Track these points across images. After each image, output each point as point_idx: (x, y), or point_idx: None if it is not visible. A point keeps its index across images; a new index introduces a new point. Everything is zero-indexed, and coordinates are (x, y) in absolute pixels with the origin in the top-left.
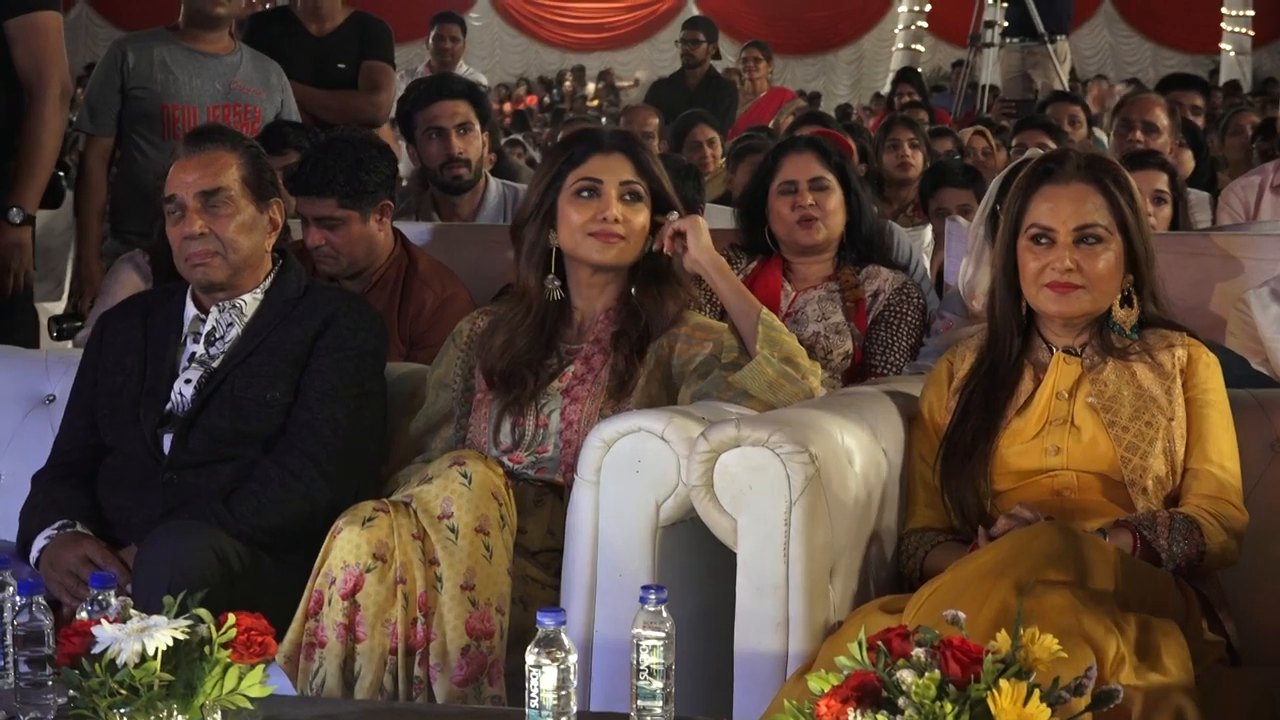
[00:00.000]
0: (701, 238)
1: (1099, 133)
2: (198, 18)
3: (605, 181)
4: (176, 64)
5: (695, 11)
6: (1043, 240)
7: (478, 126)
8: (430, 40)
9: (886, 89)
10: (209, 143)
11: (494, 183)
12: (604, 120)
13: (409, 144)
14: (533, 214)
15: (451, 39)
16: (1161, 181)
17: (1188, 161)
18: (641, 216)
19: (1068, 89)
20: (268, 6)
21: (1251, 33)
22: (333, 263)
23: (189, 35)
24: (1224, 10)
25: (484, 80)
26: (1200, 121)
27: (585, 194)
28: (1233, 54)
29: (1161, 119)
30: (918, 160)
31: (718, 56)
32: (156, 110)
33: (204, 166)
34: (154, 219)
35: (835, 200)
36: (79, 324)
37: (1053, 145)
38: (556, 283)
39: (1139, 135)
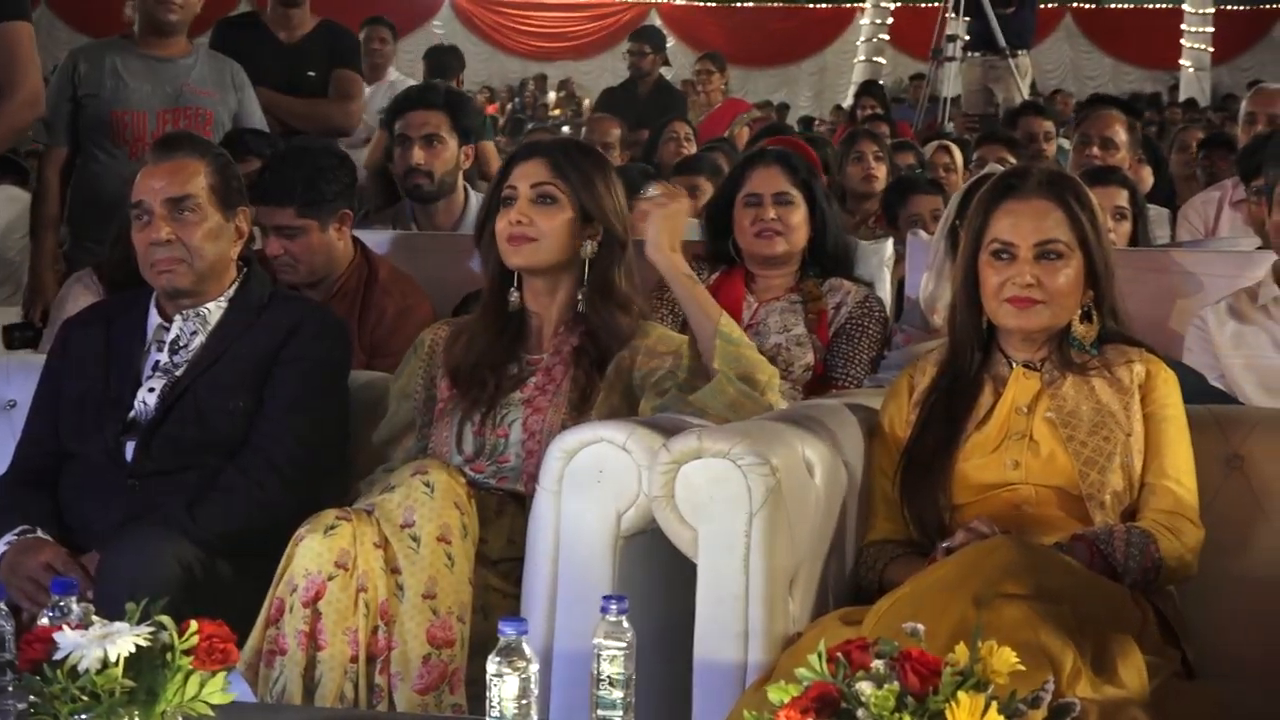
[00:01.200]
0: (652, 231)
1: (1064, 142)
2: (151, 24)
3: (519, 187)
4: (128, 70)
5: (658, 22)
6: (1004, 255)
7: (451, 139)
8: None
9: (849, 101)
10: (178, 150)
11: (474, 194)
12: (566, 129)
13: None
14: (481, 228)
15: (379, 40)
16: (1122, 198)
17: (1147, 177)
18: (557, 218)
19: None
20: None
21: (1211, 49)
22: (291, 272)
23: (143, 41)
24: (1184, 27)
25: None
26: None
27: (505, 202)
28: (1192, 70)
29: (1120, 134)
30: (881, 173)
31: (666, 64)
32: (107, 117)
33: (172, 174)
34: (110, 230)
35: (799, 215)
36: (30, 333)
37: (1013, 160)
38: (515, 294)
39: (1096, 150)
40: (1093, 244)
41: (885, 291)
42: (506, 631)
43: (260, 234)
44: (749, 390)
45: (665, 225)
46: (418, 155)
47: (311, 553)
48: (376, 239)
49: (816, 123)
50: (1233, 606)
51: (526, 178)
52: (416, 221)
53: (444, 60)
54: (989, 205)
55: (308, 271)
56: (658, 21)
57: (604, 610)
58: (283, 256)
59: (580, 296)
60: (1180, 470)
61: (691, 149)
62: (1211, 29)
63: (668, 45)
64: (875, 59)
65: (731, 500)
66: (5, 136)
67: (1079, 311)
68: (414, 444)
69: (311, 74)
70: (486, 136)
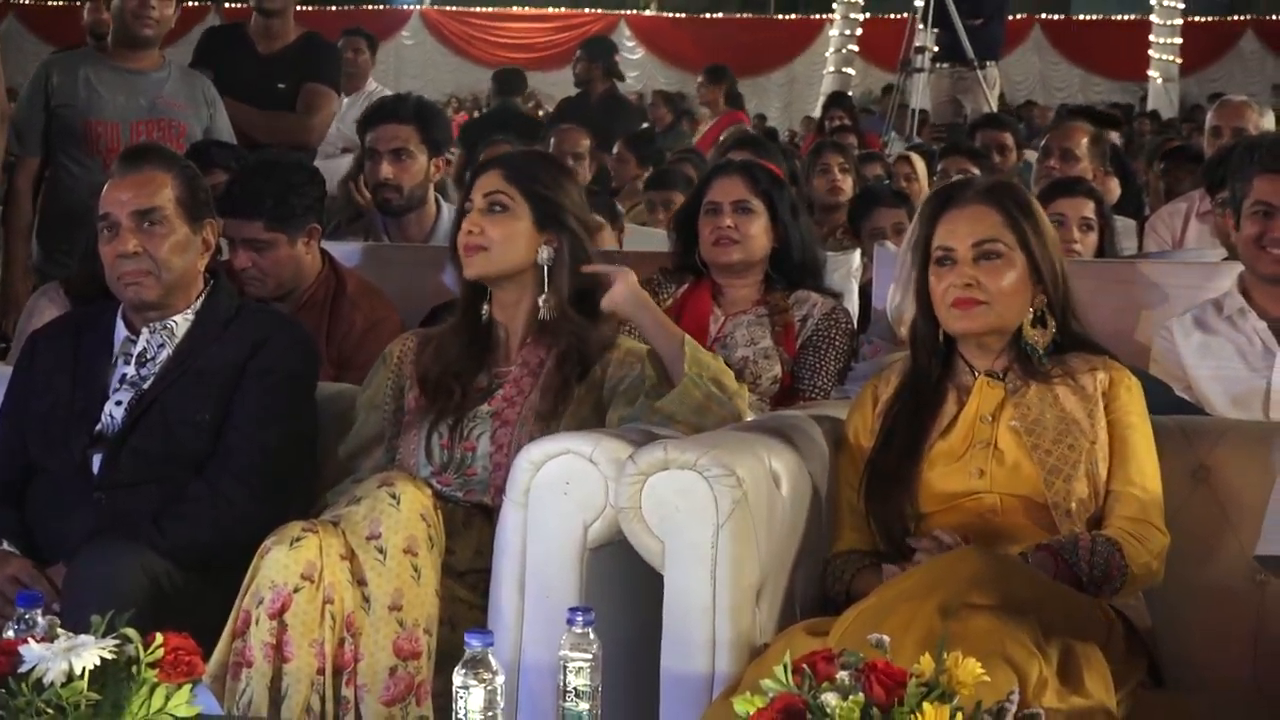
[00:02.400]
0: (620, 290)
1: (1029, 155)
2: (125, 37)
3: (474, 198)
4: (101, 81)
5: (627, 33)
6: (945, 261)
7: (421, 152)
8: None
9: (817, 112)
10: (144, 162)
11: (446, 206)
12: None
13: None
14: (453, 239)
15: (354, 50)
16: (1088, 209)
17: (1114, 189)
18: (507, 226)
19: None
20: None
21: (1179, 60)
22: (259, 285)
23: (116, 54)
24: (1152, 39)
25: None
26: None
27: (464, 214)
28: (1160, 82)
29: (1081, 146)
30: (847, 185)
31: (616, 76)
32: (80, 127)
33: (139, 186)
34: (78, 242)
35: (758, 225)
36: (2, 344)
37: (977, 172)
38: (486, 308)
39: (1055, 162)
40: (1034, 246)
41: (852, 303)
42: (473, 643)
43: (228, 246)
44: (716, 393)
45: (635, 294)
46: (386, 169)
47: (278, 565)
48: (345, 250)
49: (788, 133)
50: (1200, 616)
51: (480, 189)
52: (388, 233)
53: (511, 80)
54: (931, 217)
55: (275, 285)
56: (626, 33)
57: (570, 622)
58: (250, 270)
59: (541, 303)
60: (1145, 476)
61: (630, 165)
62: (1179, 40)
63: (636, 57)
64: (844, 70)
65: (698, 512)
66: None
67: (1029, 315)
68: (382, 455)
69: (281, 86)
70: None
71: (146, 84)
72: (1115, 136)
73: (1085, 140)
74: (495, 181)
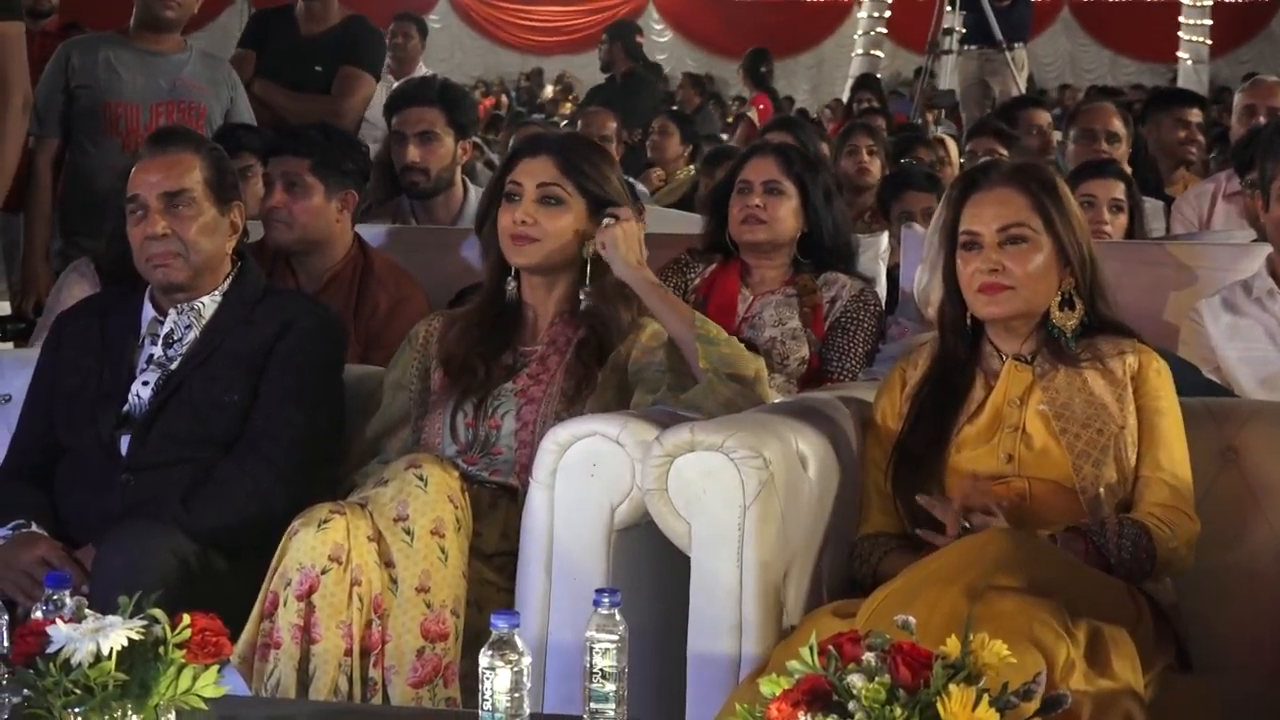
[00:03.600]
0: (621, 250)
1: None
2: (147, 19)
3: (524, 185)
4: (121, 63)
5: (655, 16)
6: (972, 246)
7: (448, 135)
8: (387, 40)
9: (846, 95)
10: (172, 144)
11: (473, 189)
12: (564, 123)
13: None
14: (482, 219)
15: (404, 35)
16: (1119, 190)
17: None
18: (561, 220)
19: (1025, 94)
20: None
21: (1209, 42)
22: (285, 230)
23: (137, 35)
24: (1182, 20)
25: None
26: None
27: (509, 198)
28: (1190, 63)
29: (1120, 127)
30: (875, 167)
31: (635, 58)
32: (99, 108)
33: (167, 168)
34: (103, 223)
35: (787, 206)
36: (22, 325)
37: (1005, 152)
38: (513, 284)
39: (1104, 145)
40: (1061, 229)
41: (880, 285)
42: (499, 625)
43: (267, 185)
44: (739, 388)
45: (629, 244)
46: (413, 153)
47: (305, 546)
48: (373, 232)
49: (816, 115)
50: (1228, 599)
51: (532, 176)
52: (415, 216)
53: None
54: (957, 201)
55: (300, 235)
56: (654, 15)
57: (597, 604)
58: (281, 210)
59: (583, 295)
60: (1175, 463)
61: (672, 143)
62: (1209, 21)
63: (664, 39)
64: (873, 52)
65: (724, 493)
66: (18, 138)
67: (1057, 298)
68: (409, 436)
69: (319, 68)
70: None
71: (167, 66)
72: (1197, 114)
73: (1119, 121)
74: (549, 171)
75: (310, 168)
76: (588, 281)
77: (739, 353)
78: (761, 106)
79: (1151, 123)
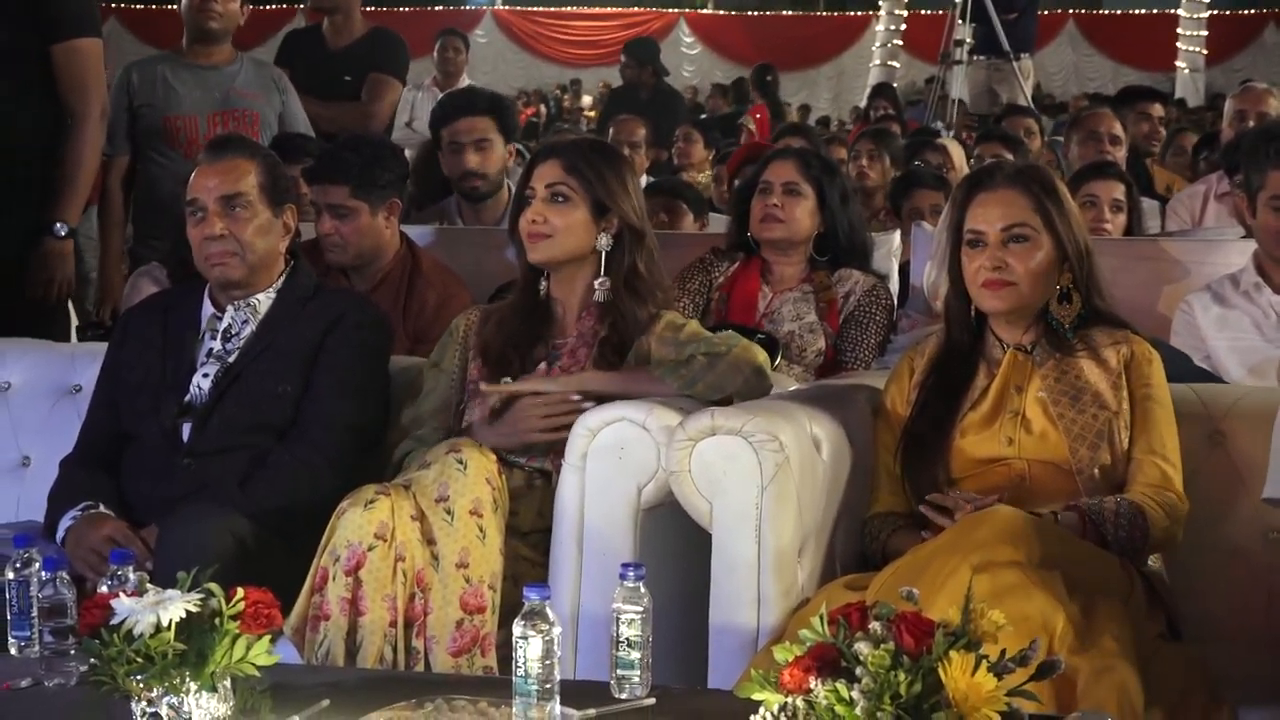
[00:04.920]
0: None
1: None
2: (195, 33)
3: (536, 187)
4: (178, 79)
5: (685, 29)
6: (976, 244)
7: (499, 140)
8: (435, 54)
9: (864, 103)
10: (230, 151)
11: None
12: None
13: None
14: (513, 222)
15: (454, 50)
16: (1119, 191)
17: None
18: (570, 216)
19: (1030, 103)
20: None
21: (1205, 52)
22: (340, 252)
23: (190, 52)
24: (1179, 31)
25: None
26: (1149, 128)
27: (526, 201)
28: (1187, 72)
29: (1121, 131)
30: (875, 171)
31: (663, 74)
32: (161, 123)
33: (224, 173)
34: (169, 228)
35: (804, 207)
36: (100, 332)
37: (1011, 157)
38: (545, 284)
39: (1107, 147)
40: (1060, 227)
41: (892, 280)
42: (531, 597)
43: (315, 214)
44: (730, 386)
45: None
46: (472, 159)
47: (353, 525)
48: (418, 233)
49: (834, 123)
50: (1214, 573)
51: (542, 178)
52: (462, 217)
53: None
54: (963, 201)
55: (355, 253)
56: (685, 29)
57: (623, 577)
58: (333, 236)
59: (597, 286)
60: (1166, 446)
61: (696, 149)
62: (1205, 33)
63: (694, 52)
64: (889, 63)
65: (744, 475)
66: (96, 149)
67: (1056, 293)
68: (450, 422)
69: (348, 78)
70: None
71: (220, 78)
72: (1159, 109)
73: (1119, 126)
74: (556, 172)
75: (351, 193)
76: (603, 273)
77: (719, 379)
78: (759, 116)
79: (1119, 115)
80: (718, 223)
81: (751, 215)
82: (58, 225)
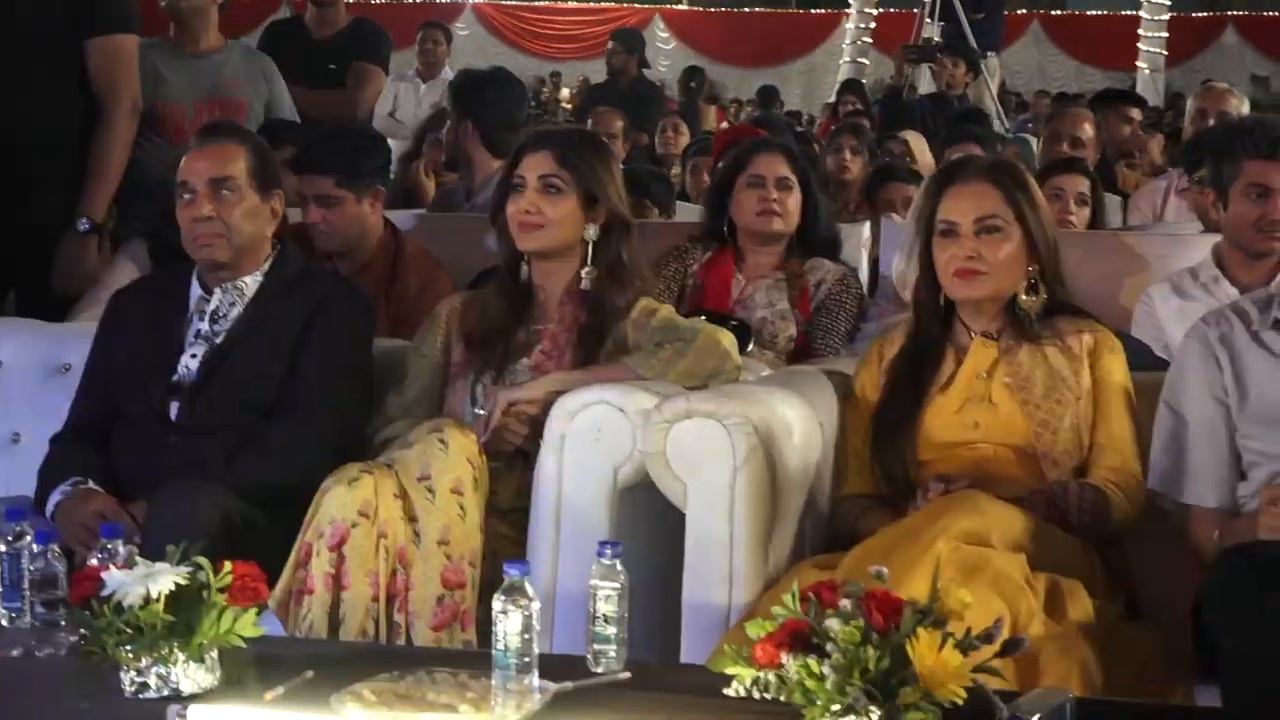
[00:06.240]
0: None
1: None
2: (176, 20)
3: (527, 177)
4: (167, 67)
5: (660, 25)
6: (949, 234)
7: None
8: (416, 45)
9: (832, 99)
10: (221, 136)
11: None
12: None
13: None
14: (496, 209)
15: (433, 41)
16: (1084, 185)
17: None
18: (562, 206)
19: (997, 102)
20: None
21: (1165, 53)
22: (328, 240)
23: (179, 40)
24: (1141, 32)
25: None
26: (1130, 131)
27: (515, 190)
28: (1148, 72)
29: (1088, 132)
30: (855, 165)
31: (645, 65)
32: (150, 110)
33: (215, 156)
34: (152, 210)
35: (795, 200)
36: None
37: (980, 152)
38: (526, 267)
39: (1066, 148)
40: (1031, 220)
41: (862, 270)
42: (511, 573)
43: (300, 204)
44: (706, 372)
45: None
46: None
47: (337, 502)
48: (399, 218)
49: (805, 118)
50: (1172, 555)
51: (534, 168)
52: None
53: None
54: (936, 192)
55: (342, 240)
56: (660, 25)
57: (600, 555)
58: (321, 225)
59: (584, 275)
60: (1126, 431)
61: (681, 140)
62: (1166, 34)
63: (669, 47)
64: (859, 60)
65: (717, 456)
66: (126, 144)
67: (1024, 283)
68: (432, 404)
69: (332, 67)
70: None
71: (208, 66)
72: (1137, 113)
73: (1090, 125)
74: (548, 163)
75: (336, 183)
76: (589, 262)
77: (691, 366)
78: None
79: (1098, 117)
80: (686, 212)
81: (740, 207)
82: (81, 220)
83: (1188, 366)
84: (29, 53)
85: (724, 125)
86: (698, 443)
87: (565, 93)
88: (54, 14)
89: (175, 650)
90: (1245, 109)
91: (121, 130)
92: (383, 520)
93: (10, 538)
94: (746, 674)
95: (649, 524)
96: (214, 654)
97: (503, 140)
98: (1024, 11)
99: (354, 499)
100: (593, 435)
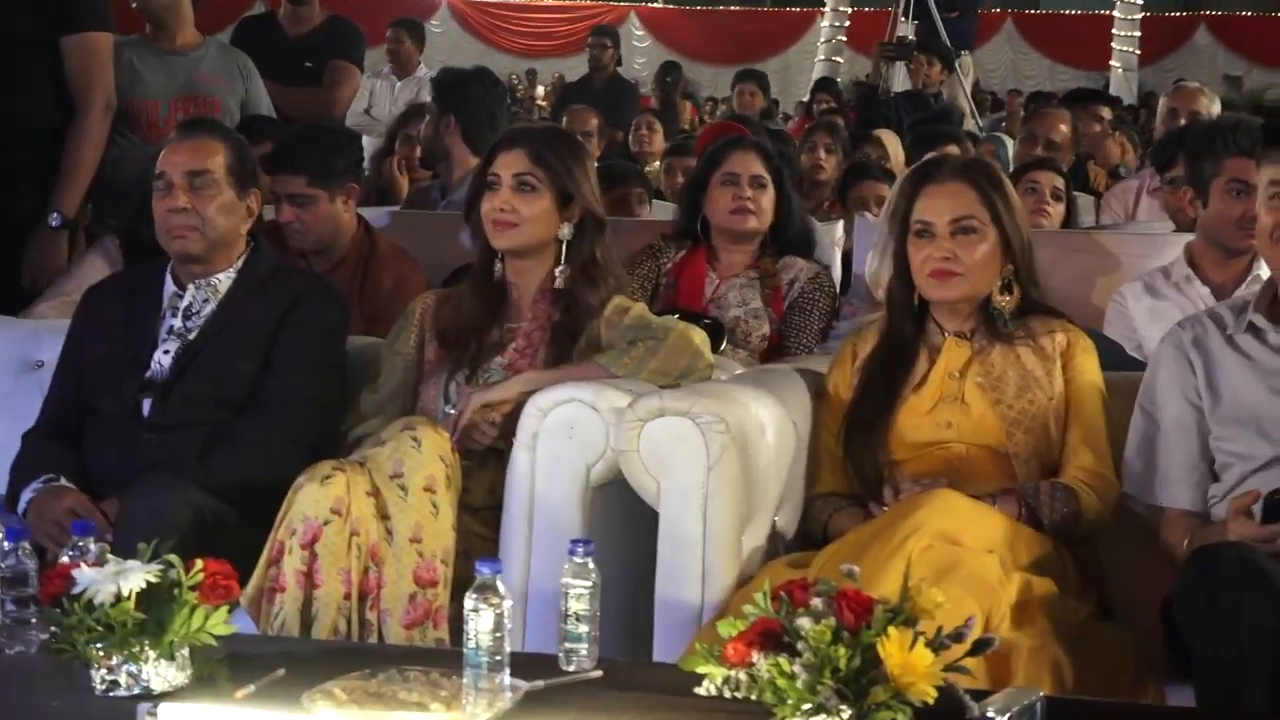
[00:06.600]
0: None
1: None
2: (146, 14)
3: (502, 175)
4: (143, 63)
5: (636, 22)
6: (925, 234)
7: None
8: (386, 46)
9: (806, 97)
10: (201, 131)
11: None
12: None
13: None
14: (470, 207)
15: (396, 41)
16: (1058, 181)
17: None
18: (536, 205)
19: (970, 101)
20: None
21: (1138, 52)
22: (301, 238)
23: (155, 37)
24: (1114, 32)
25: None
26: (1100, 129)
27: (490, 188)
28: (1121, 71)
29: (1063, 133)
30: (830, 164)
31: (619, 64)
32: (125, 106)
33: (194, 150)
34: (126, 207)
35: (768, 198)
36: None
37: (957, 152)
38: (499, 265)
39: (1040, 150)
40: (1006, 220)
41: (835, 268)
42: (483, 571)
43: (274, 203)
44: (681, 371)
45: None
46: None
47: (309, 499)
48: (372, 215)
49: (779, 116)
50: (1144, 555)
51: (508, 166)
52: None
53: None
54: (911, 191)
55: (316, 239)
56: (635, 23)
57: (571, 553)
58: (294, 223)
59: (558, 273)
60: (1099, 431)
61: (656, 138)
62: (1139, 33)
63: (644, 45)
64: (834, 58)
65: (690, 455)
66: (98, 142)
67: (998, 283)
68: (406, 401)
69: (309, 65)
70: None
71: (184, 63)
72: (1108, 112)
73: (1065, 128)
74: (523, 162)
75: (308, 182)
76: (563, 260)
77: (663, 364)
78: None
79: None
80: (663, 210)
81: (715, 205)
82: (53, 216)
83: (1162, 369)
84: (2, 51)
85: (698, 121)
86: (671, 441)
87: (540, 90)
88: (28, 12)
89: (146, 648)
90: (1216, 109)
91: (95, 128)
92: (355, 518)
93: None
94: (718, 673)
95: (621, 522)
96: (185, 652)
97: (484, 138)
98: (998, 10)
99: (326, 496)
100: (566, 433)
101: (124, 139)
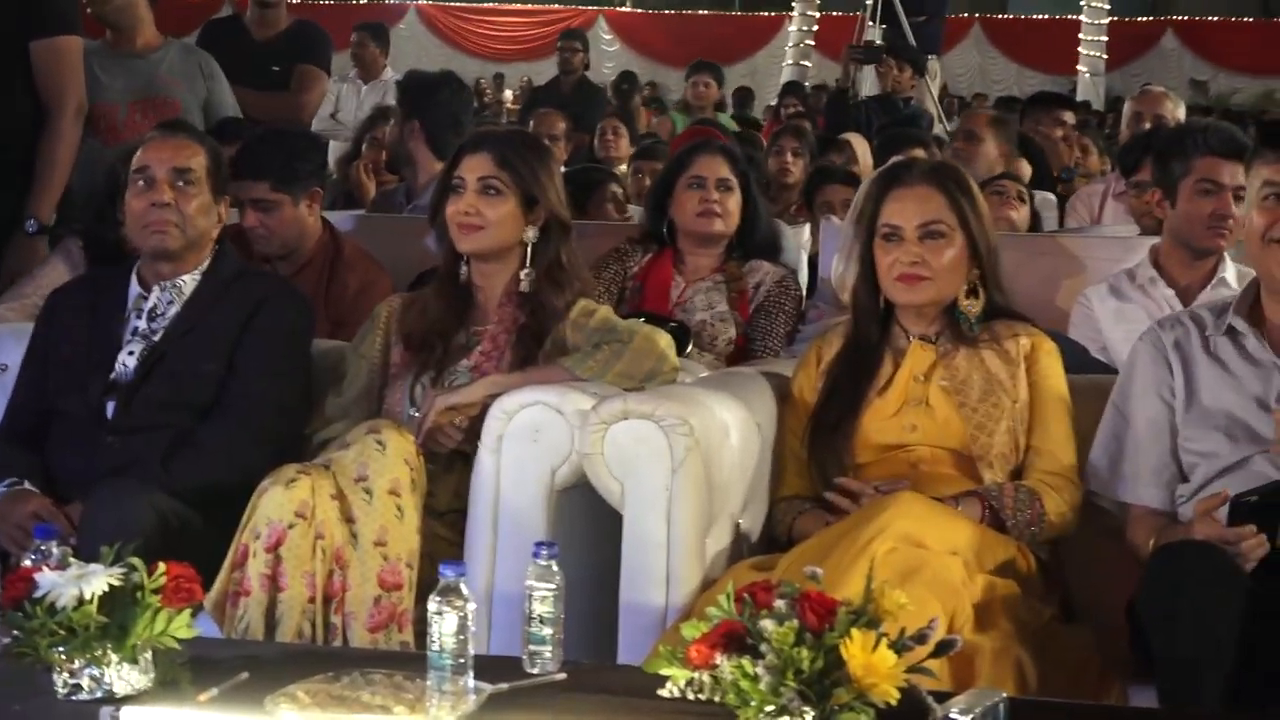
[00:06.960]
0: (445, 406)
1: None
2: (101, 20)
3: (466, 179)
4: (104, 68)
5: (604, 26)
6: (892, 238)
7: None
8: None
9: (774, 101)
10: (182, 132)
11: None
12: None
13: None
14: (435, 210)
15: (360, 46)
16: (1024, 183)
17: (1025, 170)
18: (501, 208)
19: (938, 105)
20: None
21: (1105, 57)
22: (266, 243)
23: (115, 41)
24: (1081, 37)
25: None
26: (1061, 133)
27: (454, 191)
28: (1088, 76)
29: (982, 127)
30: (797, 168)
31: (587, 67)
32: (88, 111)
33: (178, 149)
34: (85, 211)
35: (735, 201)
36: None
37: (925, 156)
38: (465, 268)
39: (961, 144)
40: (973, 225)
41: (801, 272)
42: (446, 574)
43: (238, 208)
44: (644, 374)
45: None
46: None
47: (274, 503)
48: (337, 219)
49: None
50: (1106, 557)
51: (473, 170)
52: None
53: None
54: (879, 194)
55: (280, 243)
56: (604, 27)
57: (535, 555)
58: (258, 228)
59: (524, 276)
60: (1063, 434)
61: (622, 142)
62: (1106, 38)
63: (613, 49)
64: (802, 63)
65: (655, 458)
66: (71, 146)
67: (964, 287)
68: (371, 405)
69: (276, 69)
70: None
71: (144, 66)
72: (1070, 116)
73: (985, 121)
74: (487, 165)
75: (272, 187)
76: (529, 264)
77: (627, 367)
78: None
79: (1031, 120)
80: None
81: (681, 208)
82: (30, 222)
83: (1138, 367)
84: None
85: (654, 122)
86: (635, 444)
87: (508, 94)
88: None
89: (109, 652)
90: (1181, 113)
91: (67, 132)
92: (320, 521)
93: None
94: (681, 675)
95: (586, 525)
96: (148, 655)
97: (448, 142)
98: (965, 15)
99: (291, 500)
100: (530, 436)
101: (83, 143)
